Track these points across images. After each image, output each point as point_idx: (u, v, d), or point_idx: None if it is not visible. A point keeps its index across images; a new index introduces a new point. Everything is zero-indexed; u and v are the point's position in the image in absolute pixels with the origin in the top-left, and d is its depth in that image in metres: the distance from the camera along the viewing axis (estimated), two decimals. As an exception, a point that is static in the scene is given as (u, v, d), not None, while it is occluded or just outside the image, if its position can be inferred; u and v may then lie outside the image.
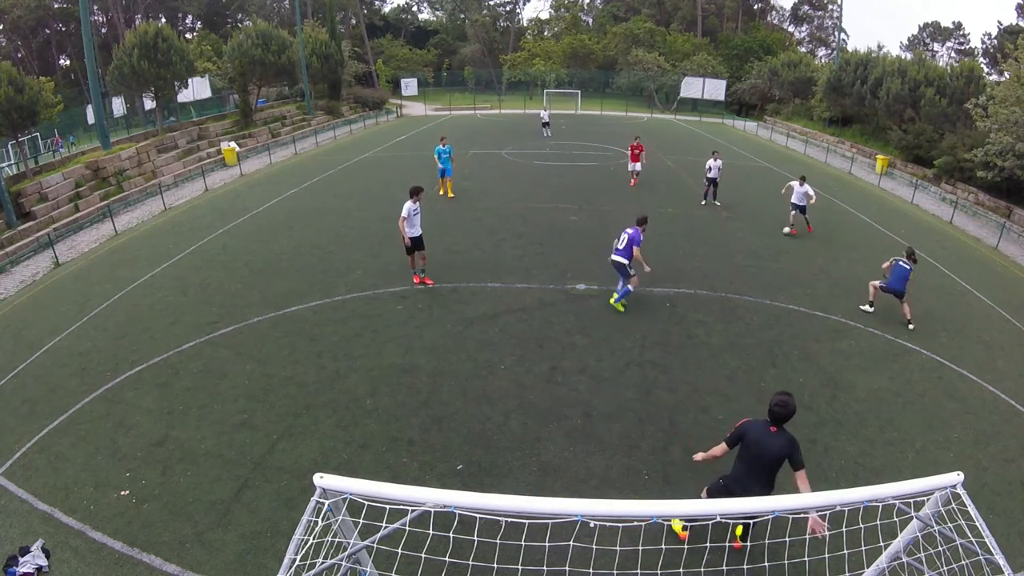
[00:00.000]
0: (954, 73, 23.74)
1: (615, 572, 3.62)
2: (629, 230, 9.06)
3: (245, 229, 14.08)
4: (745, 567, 4.64)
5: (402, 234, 9.76)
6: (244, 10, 54.67)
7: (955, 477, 2.88)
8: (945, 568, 3.10)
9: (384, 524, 2.80)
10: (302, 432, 6.58)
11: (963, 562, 2.95)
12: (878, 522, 3.21)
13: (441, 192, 16.57)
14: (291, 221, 14.53)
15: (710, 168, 16.06)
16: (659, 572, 3.78)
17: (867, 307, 9.76)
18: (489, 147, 25.69)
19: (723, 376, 7.82)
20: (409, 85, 46.91)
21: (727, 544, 4.69)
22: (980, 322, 9.96)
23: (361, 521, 2.99)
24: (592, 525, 2.85)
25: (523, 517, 2.78)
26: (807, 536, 3.85)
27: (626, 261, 9.00)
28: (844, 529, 3.10)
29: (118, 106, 29.22)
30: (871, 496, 2.81)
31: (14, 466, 6.15)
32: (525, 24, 64.62)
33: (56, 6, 46.61)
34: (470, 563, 3.28)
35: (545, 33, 62.04)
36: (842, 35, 46.89)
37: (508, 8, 64.68)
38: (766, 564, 3.42)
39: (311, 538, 2.83)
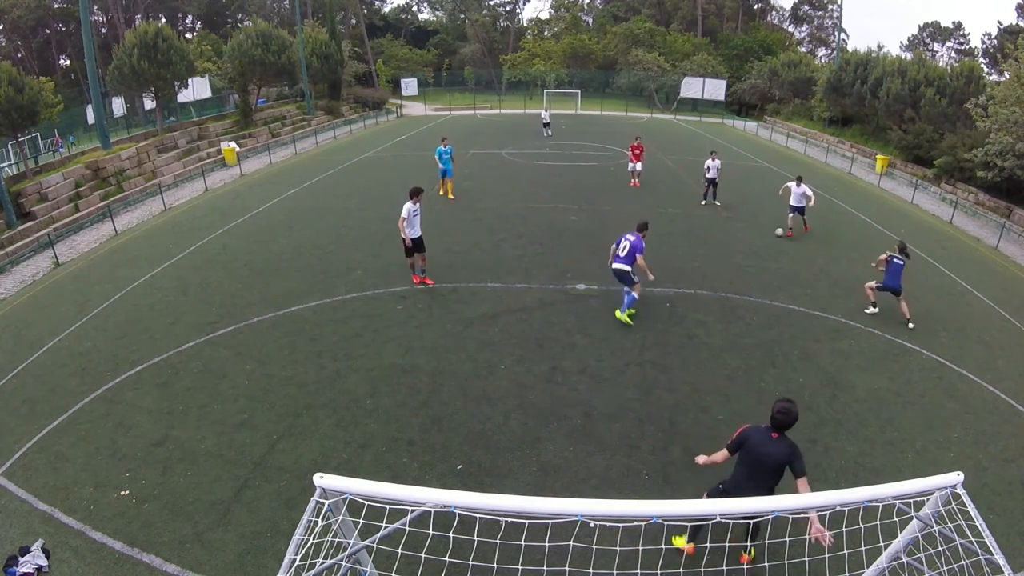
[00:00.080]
0: (954, 73, 23.74)
1: (615, 572, 3.62)
2: (630, 236, 8.71)
3: (245, 229, 14.08)
4: (745, 567, 4.65)
5: (402, 235, 9.75)
6: (244, 10, 54.67)
7: (955, 477, 2.88)
8: (945, 568, 3.10)
9: (384, 524, 2.80)
10: (302, 432, 6.58)
11: (963, 562, 2.95)
12: (878, 522, 3.21)
13: (441, 192, 16.55)
14: (291, 221, 14.53)
15: (708, 168, 16.03)
16: (659, 572, 3.78)
17: (872, 309, 9.75)
18: (489, 147, 25.69)
19: (723, 376, 7.82)
20: (409, 85, 46.91)
21: (726, 543, 4.67)
22: (980, 322, 9.96)
23: (361, 521, 2.99)
24: (592, 525, 2.85)
25: (523, 517, 2.78)
26: (807, 536, 3.86)
27: (629, 268, 8.67)
28: (844, 529, 3.10)
29: (118, 106, 29.22)
30: (871, 496, 2.81)
31: (14, 466, 6.15)
32: (525, 24, 64.66)
33: (56, 6, 46.61)
34: (470, 563, 3.28)
35: (545, 33, 62.03)
36: (842, 35, 46.91)
37: (508, 8, 64.72)
38: (766, 564, 3.42)
39: (311, 538, 2.83)
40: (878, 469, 6.12)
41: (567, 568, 3.05)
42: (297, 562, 2.72)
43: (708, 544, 4.42)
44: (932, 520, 2.98)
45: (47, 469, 6.08)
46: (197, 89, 30.02)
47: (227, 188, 19.14)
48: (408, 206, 9.55)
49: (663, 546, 4.62)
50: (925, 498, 3.05)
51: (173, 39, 23.51)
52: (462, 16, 63.38)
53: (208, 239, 13.34)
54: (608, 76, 52.28)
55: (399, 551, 3.11)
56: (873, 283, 9.70)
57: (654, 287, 10.29)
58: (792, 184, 13.48)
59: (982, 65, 31.14)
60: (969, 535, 2.81)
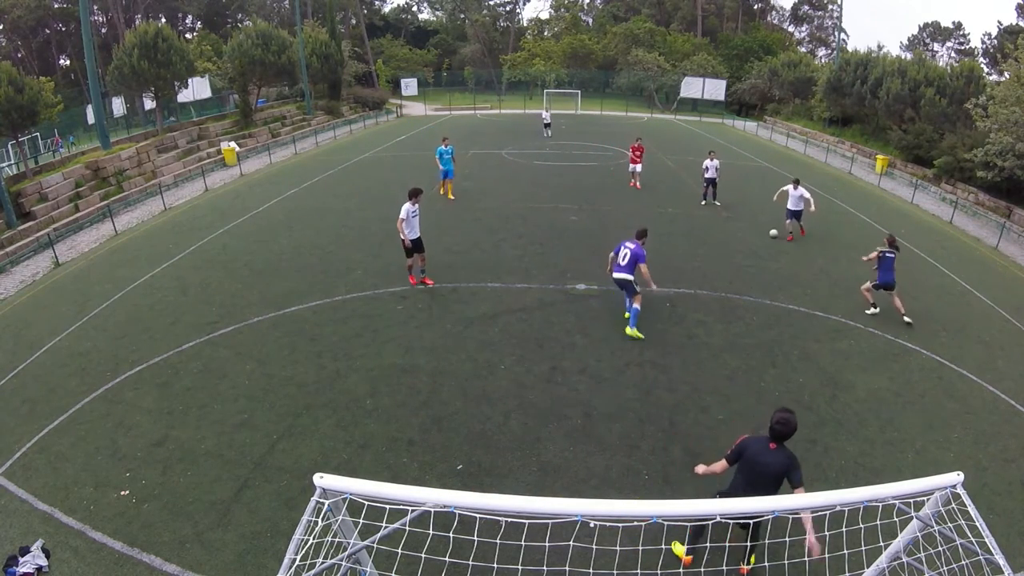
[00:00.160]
0: (954, 73, 23.74)
1: (615, 572, 3.62)
2: (630, 244, 8.39)
3: (245, 229, 14.08)
4: (747, 568, 4.65)
5: (401, 236, 9.74)
6: (244, 10, 54.67)
7: (955, 477, 2.88)
8: (945, 568, 3.10)
9: (384, 524, 2.81)
10: (302, 432, 6.58)
11: (963, 562, 2.95)
12: (878, 522, 3.21)
13: (442, 192, 16.53)
14: (291, 221, 14.53)
15: (707, 168, 15.98)
16: (659, 572, 3.79)
17: (872, 309, 9.75)
18: (489, 147, 25.69)
19: (723, 376, 7.82)
20: (409, 85, 46.91)
21: (726, 543, 4.67)
22: (980, 322, 9.96)
23: (361, 521, 2.99)
24: (592, 525, 2.86)
25: (523, 517, 2.78)
26: (803, 536, 3.85)
27: (631, 278, 8.37)
28: (844, 529, 3.09)
29: (118, 106, 29.22)
30: (871, 496, 2.81)
31: (14, 466, 6.15)
32: (525, 24, 64.65)
33: (56, 6, 46.61)
34: (470, 563, 3.28)
35: (545, 33, 62.02)
36: (842, 35, 46.90)
37: (508, 8, 64.71)
38: (766, 564, 3.42)
39: (311, 538, 2.83)
40: (878, 469, 6.12)
41: (567, 568, 3.05)
42: (297, 562, 2.72)
43: (708, 544, 4.42)
44: (932, 520, 2.98)
45: (47, 469, 6.08)
46: (197, 89, 30.02)
47: (227, 188, 19.14)
48: (407, 207, 9.53)
49: (663, 546, 4.63)
50: (925, 498, 3.05)
51: (173, 39, 23.50)
52: (462, 16, 63.37)
53: (208, 239, 13.34)
54: (608, 76, 52.28)
55: (399, 551, 3.11)
56: (868, 284, 9.71)
57: (653, 288, 10.27)
58: (789, 187, 13.16)
59: (982, 65, 31.15)
60: (969, 535, 2.81)
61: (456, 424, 6.73)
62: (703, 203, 16.37)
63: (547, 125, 29.22)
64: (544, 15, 64.72)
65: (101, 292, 10.58)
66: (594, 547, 3.12)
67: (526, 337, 8.71)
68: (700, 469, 4.71)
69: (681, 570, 4.61)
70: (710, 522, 3.52)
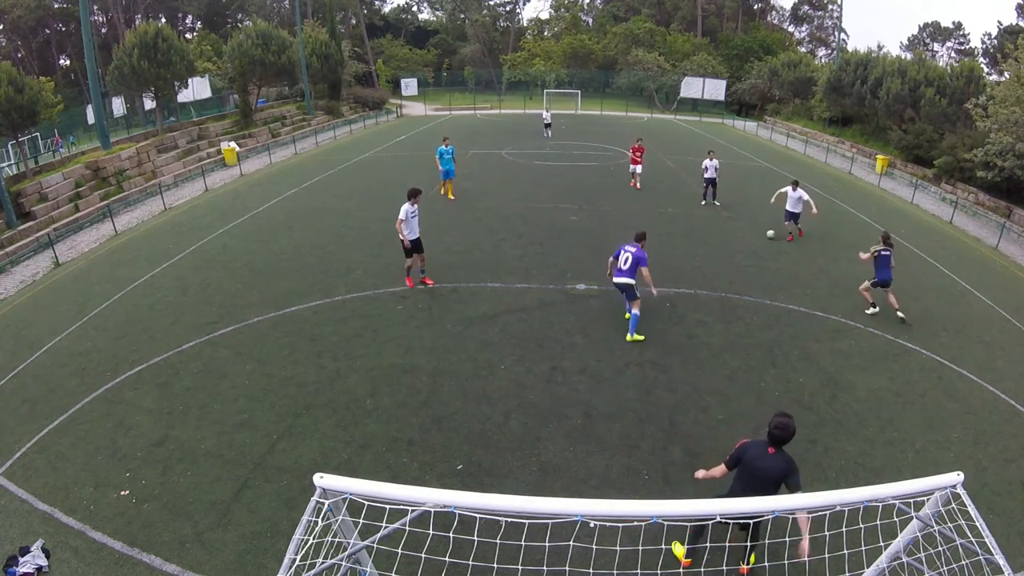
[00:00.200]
0: (954, 73, 23.74)
1: (615, 572, 3.62)
2: (631, 248, 8.26)
3: (245, 229, 14.09)
4: (746, 568, 4.65)
5: (400, 237, 9.71)
6: (244, 10, 54.67)
7: (955, 477, 2.88)
8: (945, 568, 3.10)
9: (384, 524, 2.81)
10: (302, 432, 6.58)
11: (963, 562, 2.95)
12: (878, 522, 3.21)
13: (443, 192, 16.50)
14: (291, 221, 14.53)
15: (706, 168, 15.94)
16: (659, 572, 3.79)
17: (872, 309, 9.75)
18: (489, 147, 25.69)
19: (723, 376, 7.82)
20: (409, 85, 46.91)
21: (726, 543, 4.67)
22: (980, 322, 9.96)
23: (361, 521, 2.99)
24: (592, 525, 2.86)
25: (523, 517, 2.78)
26: (804, 537, 3.85)
27: (633, 282, 8.26)
28: (844, 529, 3.09)
29: (118, 106, 29.22)
30: (871, 496, 2.81)
31: (14, 466, 6.15)
32: (525, 24, 64.66)
33: (56, 6, 46.61)
34: (470, 563, 3.28)
35: (545, 33, 62.03)
36: (842, 35, 46.91)
37: (508, 8, 64.72)
38: (766, 564, 3.42)
39: (311, 538, 2.83)
40: (878, 469, 6.12)
41: (567, 568, 3.05)
42: (297, 562, 2.72)
43: (708, 544, 4.42)
44: (932, 520, 2.98)
45: (47, 469, 6.08)
46: (197, 89, 30.03)
47: (227, 188, 19.14)
48: (406, 207, 9.50)
49: (663, 546, 4.63)
50: (925, 498, 3.05)
51: (173, 39, 23.51)
52: (462, 16, 63.37)
53: (208, 239, 13.34)
54: (608, 76, 52.28)
55: (399, 551, 3.11)
56: (866, 283, 9.72)
57: (653, 287, 10.28)
58: (788, 189, 13.06)
59: (982, 65, 31.15)
60: (969, 535, 2.81)
61: (456, 424, 6.73)
62: (703, 203, 16.36)
63: (547, 125, 29.20)
64: (544, 15, 64.86)
65: (101, 292, 10.58)
66: (594, 547, 3.12)
67: (526, 337, 8.71)
68: (700, 474, 4.71)
69: (681, 570, 4.61)
70: (710, 522, 3.52)
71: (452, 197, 16.34)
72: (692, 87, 45.01)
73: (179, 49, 23.58)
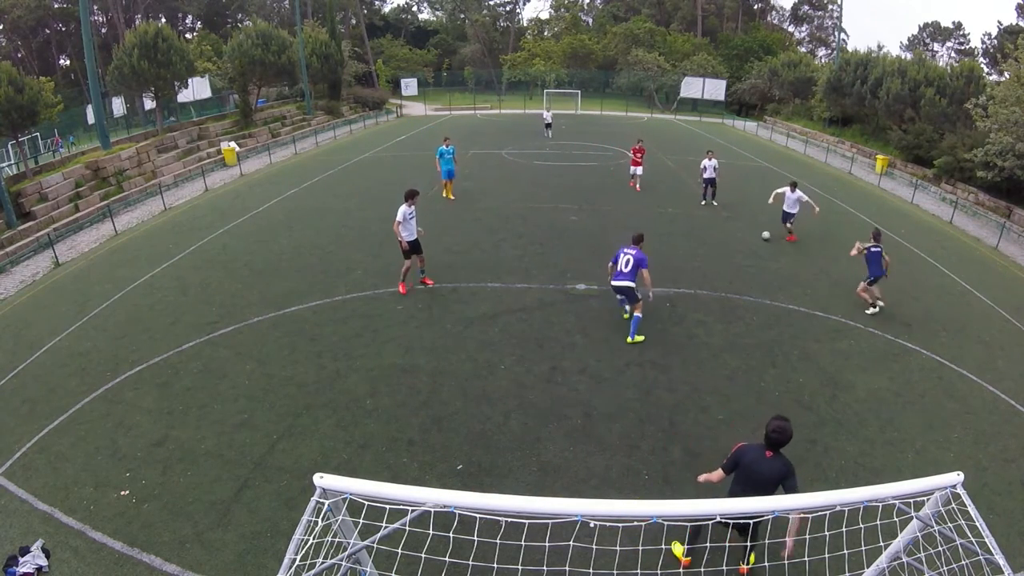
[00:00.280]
0: (954, 73, 23.74)
1: (615, 572, 3.62)
2: (631, 250, 8.18)
3: (245, 229, 14.09)
4: (746, 567, 4.65)
5: (399, 239, 9.65)
6: (244, 10, 54.66)
7: (955, 477, 2.88)
8: (945, 568, 3.10)
9: (384, 524, 2.81)
10: (302, 432, 6.58)
11: (963, 562, 2.95)
12: (878, 522, 3.21)
13: (445, 194, 16.33)
14: (291, 221, 14.53)
15: (705, 168, 15.86)
16: (659, 572, 3.79)
17: (873, 309, 9.75)
18: (489, 147, 25.69)
19: (723, 376, 7.82)
20: (409, 85, 46.91)
21: (726, 543, 4.67)
22: (980, 322, 9.96)
23: (361, 521, 2.99)
24: (592, 525, 2.85)
25: (523, 517, 2.78)
26: (805, 536, 3.85)
27: (633, 284, 8.19)
28: (844, 529, 3.09)
29: (118, 106, 29.21)
30: (871, 496, 2.81)
31: (14, 466, 6.15)
32: (525, 24, 64.64)
33: (56, 6, 46.60)
34: (470, 563, 3.28)
35: (545, 33, 62.02)
36: (842, 35, 46.90)
37: (508, 8, 64.70)
38: (766, 564, 3.42)
39: (311, 538, 2.83)
40: (878, 469, 6.12)
41: (567, 568, 3.05)
42: (297, 562, 2.72)
43: (708, 544, 4.42)
44: (932, 520, 2.98)
45: (47, 469, 6.08)
46: (197, 89, 30.02)
47: (227, 188, 19.14)
48: (403, 209, 9.42)
49: (663, 546, 4.62)
50: (925, 498, 3.05)
51: (173, 39, 23.50)
52: (462, 16, 63.37)
53: (208, 239, 13.34)
54: (608, 76, 52.27)
55: (399, 551, 3.11)
56: (863, 283, 9.78)
57: (654, 287, 10.27)
58: (786, 190, 12.93)
59: (982, 65, 31.14)
60: (969, 535, 2.81)
61: (456, 424, 6.74)
62: (703, 203, 16.33)
63: (548, 125, 29.13)
64: (544, 15, 64.82)
65: (101, 292, 10.58)
66: (594, 547, 3.12)
67: (526, 337, 8.71)
68: (701, 478, 4.70)
69: (681, 570, 4.61)
70: (709, 523, 3.52)
71: (452, 197, 16.31)
72: (692, 87, 45.00)
73: (179, 49, 23.58)
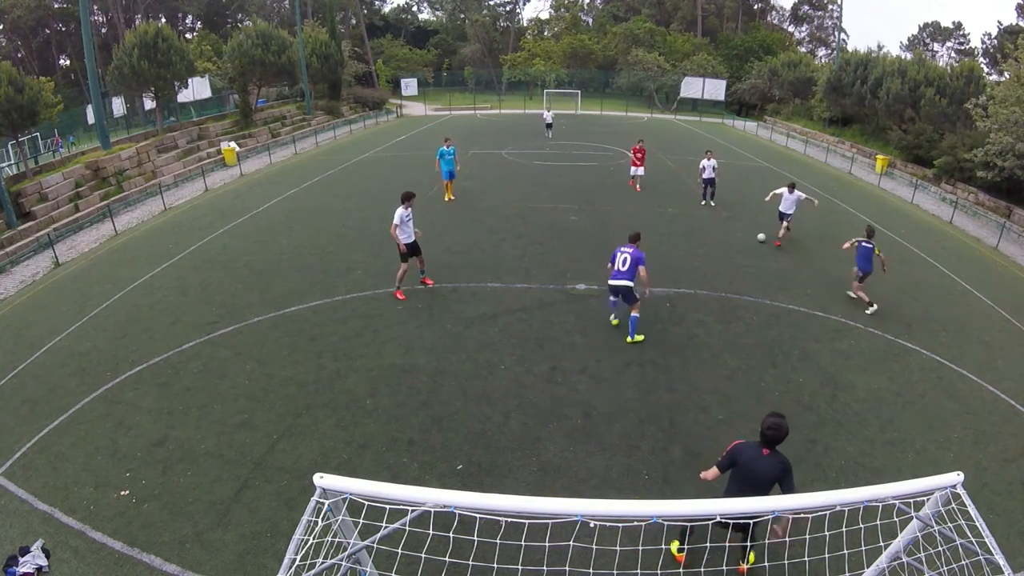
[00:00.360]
0: (954, 73, 23.74)
1: (615, 572, 3.62)
2: (627, 249, 8.14)
3: (245, 229, 14.09)
4: (745, 567, 4.65)
5: (396, 241, 9.56)
6: (244, 10, 54.67)
7: (955, 477, 2.88)
8: (945, 568, 3.10)
9: (384, 524, 2.81)
10: (302, 432, 6.58)
11: (963, 562, 2.95)
12: (878, 522, 3.21)
13: (446, 197, 16.14)
14: (291, 221, 14.53)
15: (704, 168, 15.81)
16: (659, 572, 3.79)
17: (871, 308, 9.76)
18: (489, 147, 25.69)
19: (723, 376, 7.82)
20: (409, 85, 46.91)
21: (726, 543, 4.67)
22: (980, 322, 9.96)
23: (361, 521, 2.99)
24: (592, 525, 2.85)
25: (523, 517, 2.78)
26: (803, 536, 3.85)
27: (632, 284, 8.13)
28: (844, 529, 3.09)
29: (118, 106, 29.22)
30: (871, 496, 2.81)
31: (14, 466, 6.15)
32: (525, 24, 64.65)
33: (56, 6, 46.61)
34: (470, 563, 3.28)
35: (545, 33, 62.03)
36: (842, 35, 46.91)
37: (508, 8, 64.71)
38: (766, 564, 3.43)
39: (311, 538, 2.83)
40: (878, 469, 6.12)
41: (567, 568, 3.05)
42: (297, 562, 2.72)
43: (708, 544, 4.41)
44: (932, 520, 2.98)
45: (47, 469, 6.08)
46: (197, 89, 30.02)
47: (227, 188, 19.14)
48: (400, 212, 9.33)
49: (663, 546, 4.63)
50: (925, 498, 3.05)
51: (173, 39, 23.50)
52: (462, 16, 63.37)
53: (208, 239, 13.34)
54: (608, 76, 52.28)
55: (399, 551, 3.11)
56: (855, 282, 9.88)
57: (654, 287, 10.27)
58: (784, 190, 12.75)
59: (982, 65, 31.15)
60: (969, 535, 2.81)
61: (456, 424, 6.74)
62: (703, 203, 16.32)
63: (549, 125, 29.07)
64: (544, 15, 64.83)
65: (101, 292, 10.58)
66: (594, 547, 3.11)
67: (526, 337, 8.71)
68: (702, 475, 4.69)
69: (681, 570, 4.61)
70: (708, 523, 3.52)
71: (452, 198, 16.28)
72: (692, 87, 45.01)
73: (179, 49, 23.58)
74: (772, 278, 11.21)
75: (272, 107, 32.94)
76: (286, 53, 29.82)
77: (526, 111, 42.44)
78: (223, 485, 5.78)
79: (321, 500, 2.87)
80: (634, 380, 7.66)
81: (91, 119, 23.23)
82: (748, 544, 4.58)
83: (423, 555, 3.02)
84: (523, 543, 2.97)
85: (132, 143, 20.83)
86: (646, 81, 48.53)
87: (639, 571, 3.62)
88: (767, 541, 3.82)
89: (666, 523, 2.85)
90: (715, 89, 44.03)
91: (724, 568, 4.53)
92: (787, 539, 4.09)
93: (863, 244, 9.69)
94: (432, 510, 2.74)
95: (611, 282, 8.27)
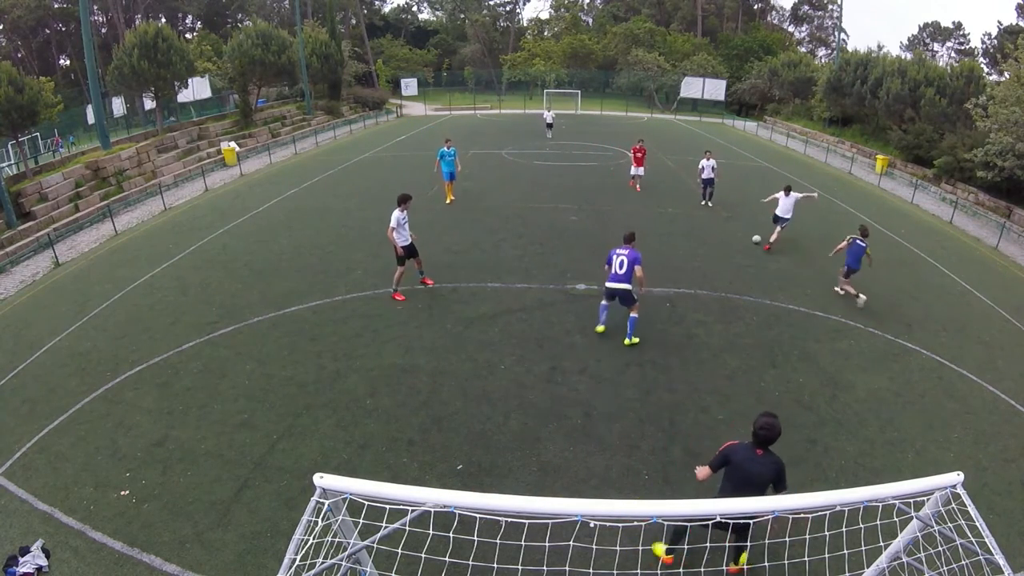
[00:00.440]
0: (954, 73, 23.74)
1: (615, 572, 3.62)
2: (623, 251, 8.03)
3: (245, 229, 14.09)
4: (745, 567, 4.65)
5: (393, 244, 9.54)
6: (244, 10, 54.67)
7: (955, 477, 2.88)
8: (945, 568, 3.10)
9: (384, 524, 2.81)
10: (302, 432, 6.58)
11: (963, 562, 2.96)
12: (878, 522, 3.21)
13: (447, 200, 16.01)
14: (291, 221, 14.53)
15: (703, 168, 15.79)
16: (659, 572, 3.79)
17: (860, 301, 9.76)
18: (489, 147, 25.69)
19: (723, 376, 7.82)
20: (409, 85, 46.90)
21: (726, 544, 4.67)
22: (980, 322, 9.96)
23: (361, 521, 2.99)
24: (592, 525, 2.85)
25: (523, 517, 2.78)
26: (803, 536, 3.85)
27: (630, 287, 8.03)
28: (844, 529, 3.09)
29: (118, 106, 29.21)
30: (871, 496, 2.81)
31: (14, 466, 6.15)
32: (525, 24, 64.66)
33: (56, 6, 46.61)
34: (470, 563, 3.28)
35: (545, 33, 62.03)
36: (842, 35, 46.90)
37: (508, 8, 64.71)
38: (766, 564, 3.42)
39: (311, 538, 2.83)
40: (878, 469, 6.12)
41: (567, 568, 3.05)
42: (297, 562, 2.72)
43: (708, 544, 4.42)
44: (932, 520, 2.98)
45: (47, 469, 6.08)
46: (197, 89, 30.01)
47: (227, 188, 19.14)
48: (397, 215, 9.33)
49: (662, 546, 4.62)
50: (925, 498, 3.05)
51: (173, 39, 23.50)
52: (462, 16, 63.36)
53: (208, 239, 13.34)
54: (608, 76, 52.27)
55: (399, 551, 3.11)
56: (840, 279, 10.01)
57: (654, 287, 10.28)
58: (780, 195, 12.56)
59: (982, 65, 31.15)
60: (969, 535, 2.81)
61: (456, 424, 6.73)
62: (703, 203, 16.32)
63: (549, 125, 29.01)
64: (544, 15, 64.84)
65: (101, 292, 10.58)
66: (594, 547, 3.11)
67: (526, 337, 8.71)
68: (697, 470, 4.68)
69: (682, 570, 4.61)
70: (689, 525, 3.52)
71: (452, 199, 16.22)
72: (692, 87, 45.01)
73: (179, 49, 23.57)
74: (772, 278, 11.21)
75: (272, 107, 32.94)
76: (286, 53, 29.82)
77: (526, 111, 42.43)
78: (223, 485, 5.77)
79: (321, 500, 2.87)
80: (634, 380, 7.66)
81: (91, 119, 23.23)
82: (747, 544, 4.58)
83: (423, 555, 3.03)
84: (523, 543, 2.97)
85: (132, 143, 20.82)
86: (646, 81, 48.53)
87: (639, 571, 3.62)
88: (767, 541, 3.81)
89: (666, 523, 2.85)
90: (715, 89, 44.03)
91: (724, 568, 4.53)
92: (787, 539, 4.09)
93: (858, 242, 9.78)
94: (432, 510, 2.74)
95: (609, 285, 8.16)
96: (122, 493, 5.68)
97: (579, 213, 15.09)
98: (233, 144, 23.18)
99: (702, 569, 3.73)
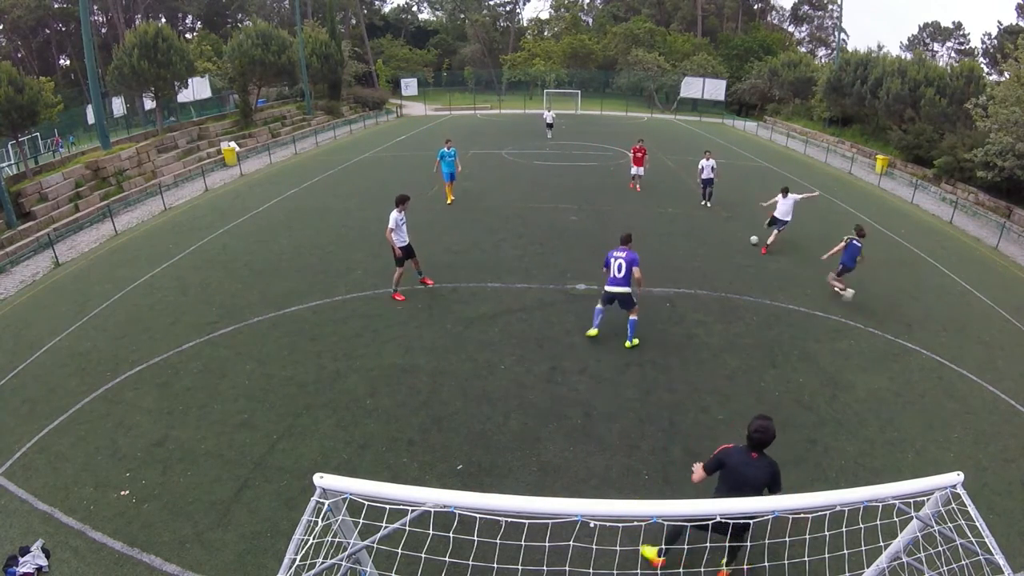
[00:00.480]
0: (954, 73, 23.74)
1: (615, 572, 3.62)
2: (621, 253, 7.93)
3: (245, 229, 14.08)
4: (745, 567, 4.64)
5: (391, 245, 9.53)
6: (244, 10, 54.66)
7: (955, 477, 2.88)
8: (945, 568, 3.10)
9: (384, 524, 2.81)
10: (302, 432, 6.58)
11: (963, 562, 2.96)
12: (878, 522, 3.21)
13: (448, 201, 15.97)
14: (291, 221, 14.53)
15: (703, 168, 15.77)
16: (659, 572, 3.79)
17: (849, 291, 9.77)
18: (489, 147, 25.69)
19: (723, 376, 7.82)
20: (409, 85, 46.91)
21: (726, 544, 4.66)
22: (980, 322, 9.96)
23: (361, 521, 2.99)
24: (592, 525, 2.86)
25: (523, 517, 2.78)
26: (802, 536, 3.85)
27: (630, 290, 7.96)
28: (844, 529, 3.09)
29: (118, 106, 29.21)
30: (871, 496, 2.81)
31: (14, 466, 6.15)
32: (525, 24, 64.64)
33: (56, 6, 46.60)
34: (470, 563, 3.28)
35: (545, 33, 62.02)
36: (842, 35, 46.90)
37: (508, 8, 64.71)
38: (766, 564, 3.42)
39: (311, 538, 2.83)
40: (878, 469, 6.12)
41: (567, 568, 3.05)
42: (297, 562, 2.72)
43: (708, 544, 4.42)
44: (932, 520, 2.98)
45: (47, 469, 6.08)
46: (197, 89, 30.01)
47: (227, 188, 19.14)
48: (395, 215, 9.32)
49: (662, 546, 4.62)
50: (925, 498, 3.05)
51: (173, 39, 23.50)
52: (462, 16, 63.36)
53: (208, 239, 13.34)
54: (608, 76, 52.28)
55: (399, 551, 3.11)
56: (832, 274, 10.05)
57: (654, 287, 10.28)
58: (779, 197, 12.31)
59: (982, 65, 31.15)
60: (969, 535, 2.81)
61: (456, 424, 6.73)
62: (703, 203, 16.31)
63: (549, 126, 28.96)
64: (544, 15, 64.80)
65: (101, 292, 10.58)
66: (594, 547, 3.11)
67: (526, 337, 8.71)
68: (694, 467, 4.69)
69: (682, 570, 4.60)
70: (688, 525, 3.52)
71: (452, 198, 16.22)
72: (692, 87, 45.01)
73: (179, 49, 23.57)
74: (772, 278, 11.21)
75: (272, 107, 32.94)
76: (286, 53, 29.81)
77: (526, 111, 42.43)
78: (223, 485, 5.77)
79: (321, 500, 2.87)
80: (634, 380, 7.66)
81: (91, 119, 23.22)
82: (748, 546, 4.57)
83: (423, 555, 3.03)
84: (523, 543, 2.97)
85: (132, 143, 20.82)
86: (646, 81, 48.53)
87: (639, 571, 3.62)
88: (767, 541, 3.82)
89: (666, 523, 2.85)
90: (715, 89, 44.03)
91: (725, 568, 4.52)
92: (787, 539, 4.09)
93: (854, 242, 9.80)
94: (432, 510, 2.74)
95: (608, 289, 8.06)
96: (122, 493, 5.68)
97: (579, 213, 15.09)
98: (233, 144, 23.18)
99: (702, 569, 3.72)
